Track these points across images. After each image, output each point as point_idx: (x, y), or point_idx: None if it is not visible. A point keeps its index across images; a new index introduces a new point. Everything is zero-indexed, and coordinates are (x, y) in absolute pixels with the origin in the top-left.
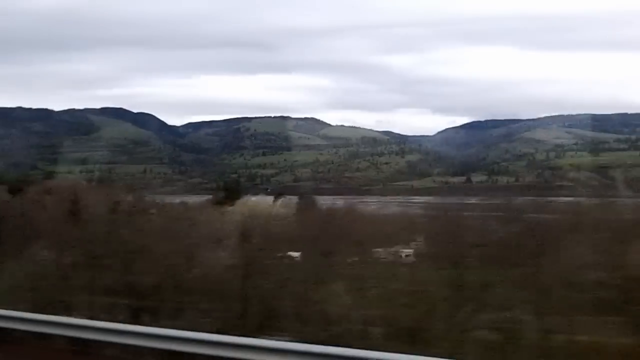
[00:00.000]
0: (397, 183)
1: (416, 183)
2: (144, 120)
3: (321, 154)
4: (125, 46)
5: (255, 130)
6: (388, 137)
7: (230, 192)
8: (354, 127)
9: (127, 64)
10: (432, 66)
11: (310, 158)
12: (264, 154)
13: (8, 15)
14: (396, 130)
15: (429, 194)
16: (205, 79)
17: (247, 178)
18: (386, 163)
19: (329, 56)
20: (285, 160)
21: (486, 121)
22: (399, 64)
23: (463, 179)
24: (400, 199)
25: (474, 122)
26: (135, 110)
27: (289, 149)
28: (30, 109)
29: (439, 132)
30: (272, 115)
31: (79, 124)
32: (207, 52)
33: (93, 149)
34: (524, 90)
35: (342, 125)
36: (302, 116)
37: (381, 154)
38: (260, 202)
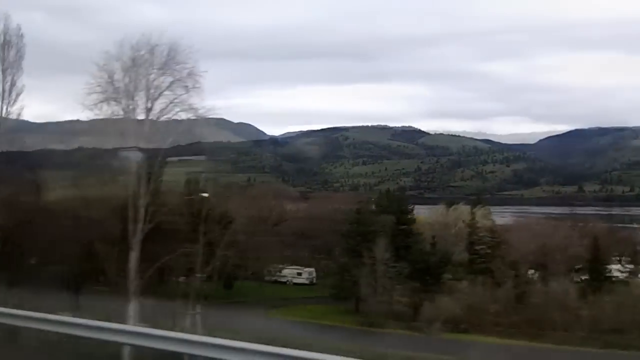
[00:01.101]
0: (505, 192)
1: (525, 192)
2: (244, 130)
3: (422, 162)
4: (224, 58)
5: (354, 139)
6: (489, 146)
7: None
8: (453, 135)
9: (227, 75)
10: (532, 73)
11: (411, 167)
12: (363, 163)
13: (105, 29)
14: (495, 139)
15: (551, 204)
16: (304, 89)
17: (350, 187)
18: (491, 172)
19: (428, 65)
20: (386, 169)
21: (590, 129)
22: (498, 72)
23: (574, 188)
24: (516, 209)
25: (576, 130)
26: (235, 121)
27: (388, 158)
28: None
29: (540, 140)
30: (370, 124)
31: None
32: (306, 63)
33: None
34: (631, 97)
35: (440, 134)
36: (400, 125)
37: (484, 163)
38: (439, 212)
